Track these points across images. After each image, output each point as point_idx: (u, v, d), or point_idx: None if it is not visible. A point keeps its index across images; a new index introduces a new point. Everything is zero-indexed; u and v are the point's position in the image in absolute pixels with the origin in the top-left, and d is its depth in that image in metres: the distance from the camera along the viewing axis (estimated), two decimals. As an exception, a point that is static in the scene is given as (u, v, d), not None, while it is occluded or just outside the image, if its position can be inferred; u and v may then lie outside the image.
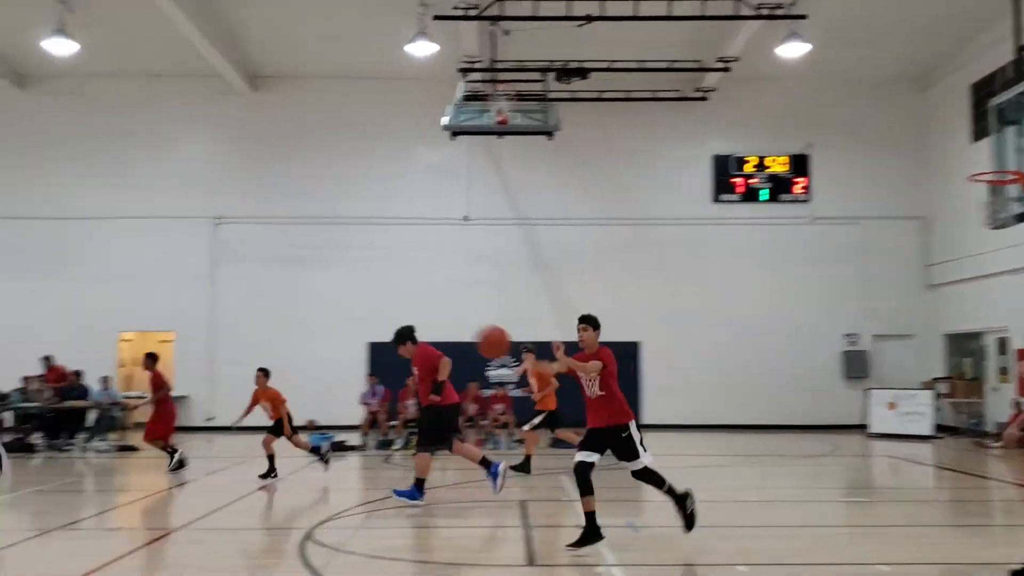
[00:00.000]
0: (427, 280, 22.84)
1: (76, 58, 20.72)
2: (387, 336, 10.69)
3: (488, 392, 19.77)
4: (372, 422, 18.66)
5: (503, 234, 23.47)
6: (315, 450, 13.87)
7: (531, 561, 7.60)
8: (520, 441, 17.88)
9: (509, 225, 23.52)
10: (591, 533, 7.63)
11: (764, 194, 23.62)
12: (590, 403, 7.99)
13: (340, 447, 17.37)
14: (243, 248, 23.24)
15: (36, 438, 18.26)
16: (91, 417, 19.15)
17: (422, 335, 10.89)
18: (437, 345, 10.73)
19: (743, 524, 9.59)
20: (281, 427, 13.67)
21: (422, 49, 19.14)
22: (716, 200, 23.64)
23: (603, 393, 7.92)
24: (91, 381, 19.49)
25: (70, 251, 22.85)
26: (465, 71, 20.17)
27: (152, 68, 22.85)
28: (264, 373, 14.00)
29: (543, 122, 19.59)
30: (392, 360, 11.22)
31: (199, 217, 23.15)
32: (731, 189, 23.63)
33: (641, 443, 7.93)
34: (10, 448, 17.31)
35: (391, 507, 10.35)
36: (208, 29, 20.01)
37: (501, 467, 10.00)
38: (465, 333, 22.09)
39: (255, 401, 13.81)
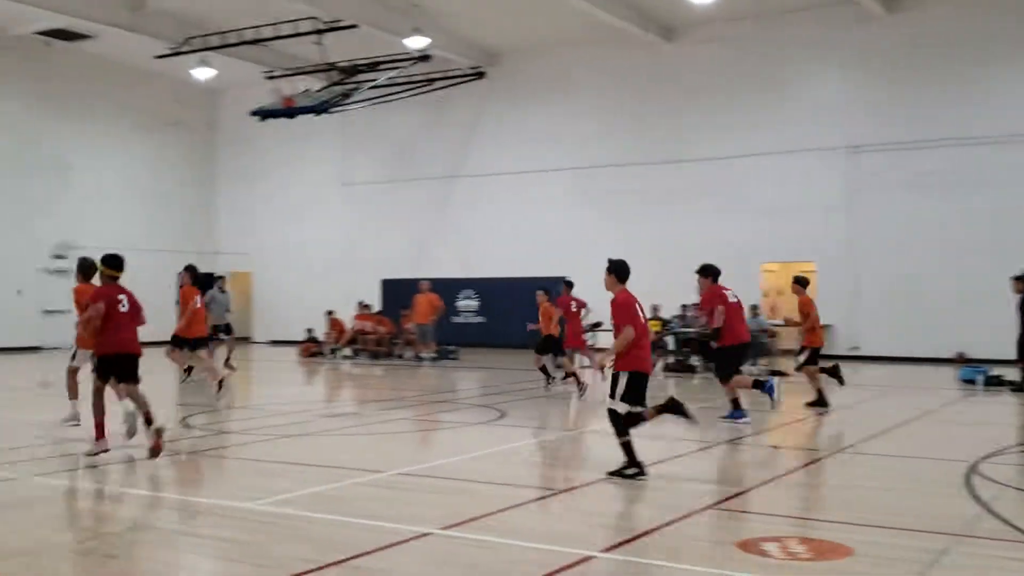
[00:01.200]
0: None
1: (714, 6, 22.10)
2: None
3: None
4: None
5: None
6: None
7: None
8: None
9: None
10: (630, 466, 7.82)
11: None
12: None
13: (997, 381, 16.35)
14: (877, 175, 22.75)
15: (694, 360, 20.16)
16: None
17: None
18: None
19: None
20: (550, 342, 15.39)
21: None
22: None
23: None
24: (740, 310, 20.90)
25: (717, 187, 24.48)
26: None
27: (783, 5, 23.30)
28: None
29: None
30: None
31: (832, 148, 23.18)
32: None
33: (620, 395, 7.81)
34: (671, 368, 19.53)
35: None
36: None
37: (774, 381, 11.04)
38: None
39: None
